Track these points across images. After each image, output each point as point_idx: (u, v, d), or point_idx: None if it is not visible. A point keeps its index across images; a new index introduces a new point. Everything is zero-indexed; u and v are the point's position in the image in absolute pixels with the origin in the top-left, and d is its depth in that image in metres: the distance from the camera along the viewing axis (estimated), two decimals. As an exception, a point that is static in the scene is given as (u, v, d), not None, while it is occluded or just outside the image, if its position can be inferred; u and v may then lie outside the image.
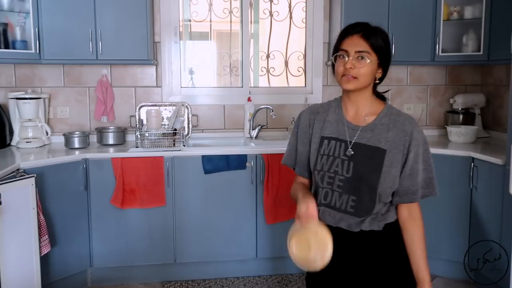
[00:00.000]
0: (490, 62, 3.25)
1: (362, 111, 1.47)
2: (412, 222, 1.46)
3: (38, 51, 2.96)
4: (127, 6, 3.04)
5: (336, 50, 1.45)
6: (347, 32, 1.43)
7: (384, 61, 1.44)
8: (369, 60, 1.39)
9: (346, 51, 1.40)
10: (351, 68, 1.39)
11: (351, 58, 1.39)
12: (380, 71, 1.45)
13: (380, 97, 1.53)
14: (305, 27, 3.65)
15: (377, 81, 1.47)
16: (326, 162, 1.46)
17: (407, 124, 1.43)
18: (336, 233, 1.44)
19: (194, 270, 3.05)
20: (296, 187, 1.57)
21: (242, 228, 3.02)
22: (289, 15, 3.67)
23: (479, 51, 3.23)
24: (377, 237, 1.45)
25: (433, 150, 2.85)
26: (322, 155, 1.47)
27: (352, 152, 1.42)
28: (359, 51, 1.39)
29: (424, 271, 1.45)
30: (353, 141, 1.44)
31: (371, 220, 1.43)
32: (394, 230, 1.48)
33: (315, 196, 1.51)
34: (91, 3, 2.99)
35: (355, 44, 1.39)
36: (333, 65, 1.48)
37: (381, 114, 1.45)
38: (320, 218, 1.46)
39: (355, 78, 1.40)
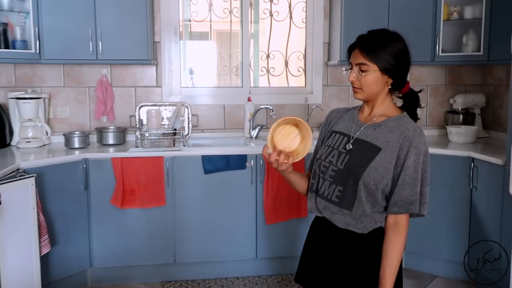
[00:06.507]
0: (490, 62, 3.25)
1: (376, 111, 1.52)
2: (395, 230, 1.43)
3: (38, 51, 2.96)
4: (127, 6, 3.04)
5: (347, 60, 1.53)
6: (353, 44, 1.49)
7: (390, 68, 1.43)
8: (365, 72, 1.43)
9: (351, 64, 1.48)
10: (353, 80, 1.47)
11: (352, 71, 1.47)
12: (388, 78, 1.46)
13: (411, 100, 1.53)
14: (305, 27, 3.65)
15: (390, 87, 1.48)
16: (325, 152, 1.53)
17: (411, 130, 1.43)
18: (321, 223, 1.54)
19: (194, 270, 3.05)
20: None
21: (242, 228, 3.02)
22: (289, 15, 3.67)
23: (479, 51, 3.23)
24: (360, 239, 1.46)
25: (433, 150, 2.88)
26: (325, 146, 1.56)
27: (351, 147, 1.48)
28: (358, 64, 1.45)
29: (386, 281, 1.40)
30: (355, 137, 1.49)
31: (356, 219, 1.44)
32: (379, 237, 1.46)
33: (311, 183, 1.57)
34: (91, 3, 2.99)
35: (356, 57, 1.46)
36: None
37: (391, 118, 1.48)
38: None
39: (360, 88, 1.46)
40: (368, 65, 1.42)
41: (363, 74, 1.43)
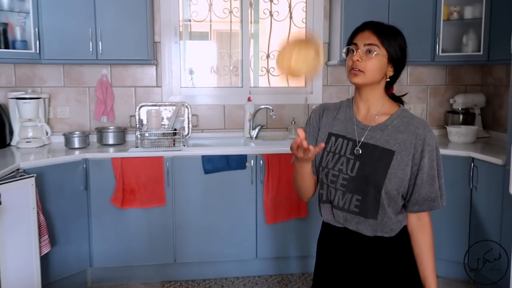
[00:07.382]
0: (490, 62, 3.25)
1: (373, 110, 1.46)
2: (421, 230, 1.43)
3: (38, 51, 2.96)
4: (127, 6, 3.04)
5: (348, 45, 1.45)
6: (360, 28, 1.44)
7: (396, 59, 1.41)
8: (376, 53, 1.38)
9: (356, 45, 1.41)
10: (358, 60, 1.38)
11: (359, 51, 1.39)
12: (391, 69, 1.43)
13: (397, 100, 1.51)
14: (305, 27, 3.65)
15: (388, 79, 1.44)
16: (331, 160, 1.44)
17: (420, 128, 1.40)
18: (343, 234, 1.45)
19: (194, 270, 3.05)
20: None
21: (242, 228, 3.02)
22: (289, 15, 3.67)
23: (479, 51, 3.23)
24: (387, 242, 1.42)
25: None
26: (329, 152, 1.46)
27: (360, 151, 1.41)
28: (368, 44, 1.38)
29: (430, 281, 1.42)
30: (361, 141, 1.43)
31: (383, 225, 1.41)
32: (404, 236, 1.45)
33: (320, 193, 1.50)
34: (91, 3, 2.99)
35: (365, 37, 1.40)
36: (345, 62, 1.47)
37: (394, 116, 1.43)
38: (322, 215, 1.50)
39: (362, 72, 1.39)
40: (379, 48, 1.38)
41: (374, 53, 1.37)
